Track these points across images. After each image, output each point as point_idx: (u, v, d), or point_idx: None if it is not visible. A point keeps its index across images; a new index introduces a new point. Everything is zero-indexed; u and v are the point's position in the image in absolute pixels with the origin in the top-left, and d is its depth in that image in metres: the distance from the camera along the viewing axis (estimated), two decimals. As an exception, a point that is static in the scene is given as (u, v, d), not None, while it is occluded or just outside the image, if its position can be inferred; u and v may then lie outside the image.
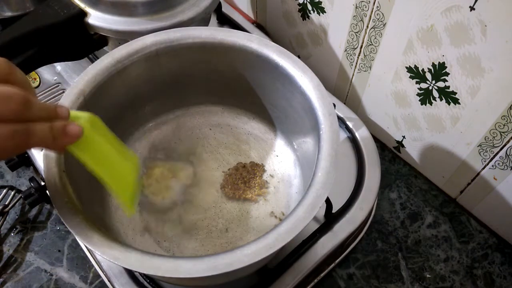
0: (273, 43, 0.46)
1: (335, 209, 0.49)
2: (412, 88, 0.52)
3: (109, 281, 0.46)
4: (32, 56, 0.49)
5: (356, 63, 0.58)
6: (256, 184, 0.50)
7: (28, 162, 0.56)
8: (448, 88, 0.48)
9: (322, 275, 0.50)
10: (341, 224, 0.49)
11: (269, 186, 0.51)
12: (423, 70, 0.49)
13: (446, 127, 0.51)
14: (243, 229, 0.48)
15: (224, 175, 0.51)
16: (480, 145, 0.49)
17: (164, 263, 0.33)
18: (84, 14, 0.51)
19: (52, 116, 0.31)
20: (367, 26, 0.52)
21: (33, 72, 0.61)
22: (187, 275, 0.32)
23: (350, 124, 0.57)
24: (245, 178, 0.50)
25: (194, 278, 0.33)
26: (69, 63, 0.62)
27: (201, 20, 0.56)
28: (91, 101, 0.43)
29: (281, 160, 0.53)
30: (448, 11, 0.42)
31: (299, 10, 0.62)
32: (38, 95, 0.59)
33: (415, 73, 0.50)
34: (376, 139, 0.62)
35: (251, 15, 0.76)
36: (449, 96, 0.48)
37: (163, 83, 0.50)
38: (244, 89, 0.51)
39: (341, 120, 0.57)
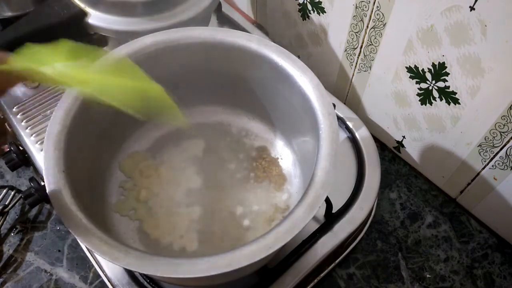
0: (272, 43, 0.46)
1: (335, 209, 0.49)
2: (412, 88, 0.52)
3: (109, 281, 0.46)
4: (32, 56, 0.49)
5: (356, 63, 0.58)
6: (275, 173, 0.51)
7: (28, 162, 0.56)
8: (448, 88, 0.48)
9: (322, 275, 0.50)
10: (341, 224, 0.49)
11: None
12: (423, 70, 0.49)
13: (446, 127, 0.51)
14: (242, 229, 0.48)
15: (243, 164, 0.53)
16: (480, 145, 0.49)
17: (163, 263, 0.33)
18: (84, 14, 0.51)
19: None
20: (367, 26, 0.52)
21: (33, 72, 0.61)
22: (186, 275, 0.32)
23: (350, 124, 0.57)
24: (264, 167, 0.51)
25: (194, 278, 0.33)
26: (69, 63, 0.62)
27: (201, 20, 0.56)
28: (91, 101, 0.43)
29: (281, 160, 0.52)
30: (448, 11, 0.42)
31: (299, 10, 0.62)
32: (37, 95, 0.59)
33: (415, 73, 0.50)
34: (376, 139, 0.62)
35: (251, 15, 0.76)
36: (449, 96, 0.48)
37: (163, 83, 0.50)
38: (244, 89, 0.51)
39: (341, 120, 0.57)
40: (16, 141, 0.56)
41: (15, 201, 0.56)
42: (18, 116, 0.57)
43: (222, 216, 0.49)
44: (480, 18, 0.40)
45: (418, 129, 0.55)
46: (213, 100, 0.55)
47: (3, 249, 0.54)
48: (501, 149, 0.47)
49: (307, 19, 0.62)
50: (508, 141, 0.46)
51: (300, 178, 0.50)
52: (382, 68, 0.54)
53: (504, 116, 0.44)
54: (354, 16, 0.53)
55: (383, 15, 0.49)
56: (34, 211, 0.57)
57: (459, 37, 0.43)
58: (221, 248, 0.46)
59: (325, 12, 0.58)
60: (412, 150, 0.59)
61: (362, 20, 0.52)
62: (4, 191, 0.56)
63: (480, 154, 0.49)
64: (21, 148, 0.55)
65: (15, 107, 0.58)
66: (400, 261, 0.52)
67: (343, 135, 0.56)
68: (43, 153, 0.39)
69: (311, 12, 0.60)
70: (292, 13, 0.64)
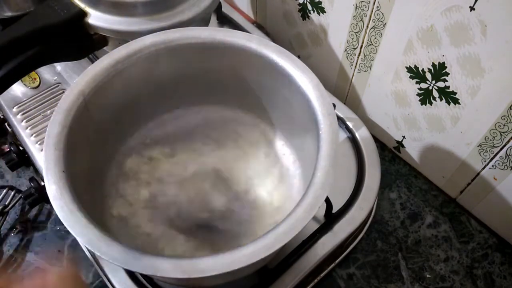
0: (272, 43, 0.46)
1: (335, 209, 0.49)
2: (412, 88, 0.52)
3: (109, 281, 0.46)
4: (32, 56, 0.49)
5: (356, 63, 0.58)
6: None
7: (28, 162, 0.56)
8: (448, 88, 0.47)
9: (322, 275, 0.50)
10: (341, 224, 0.49)
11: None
12: (423, 70, 0.49)
13: (446, 127, 0.51)
14: (242, 229, 0.48)
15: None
16: (480, 145, 0.49)
17: (162, 263, 0.33)
18: (84, 14, 0.51)
19: None
20: (367, 26, 0.52)
21: (33, 72, 0.61)
22: (186, 275, 0.32)
23: (350, 124, 0.57)
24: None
25: (193, 278, 0.33)
26: (69, 63, 0.62)
27: (201, 20, 0.56)
28: (91, 101, 0.43)
29: (281, 160, 0.52)
30: (448, 11, 0.42)
31: (299, 10, 0.62)
32: (37, 95, 0.60)
33: (415, 73, 0.50)
34: (376, 139, 0.62)
35: (251, 15, 0.76)
36: (449, 96, 0.48)
37: (163, 83, 0.50)
38: (244, 89, 0.51)
39: (341, 120, 0.57)
40: (16, 141, 0.56)
41: (15, 201, 0.55)
42: (18, 116, 0.57)
43: (228, 216, 0.49)
44: (480, 18, 0.40)
45: (418, 129, 0.55)
46: (212, 100, 0.55)
47: (3, 249, 0.54)
48: (501, 149, 0.47)
49: (307, 19, 0.62)
50: (508, 141, 0.46)
51: (300, 178, 0.50)
52: (382, 68, 0.54)
53: (504, 116, 0.44)
54: (354, 16, 0.53)
55: (383, 15, 0.49)
56: (34, 211, 0.57)
57: (459, 37, 0.43)
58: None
59: (325, 12, 0.58)
60: (412, 150, 0.59)
61: (362, 20, 0.52)
62: (4, 191, 0.56)
63: (480, 154, 0.49)
64: (21, 148, 0.55)
65: (15, 107, 0.58)
66: (400, 261, 0.52)
67: (343, 135, 0.56)
68: (43, 153, 0.39)
69: (311, 12, 0.60)
70: (292, 13, 0.64)
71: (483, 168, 0.50)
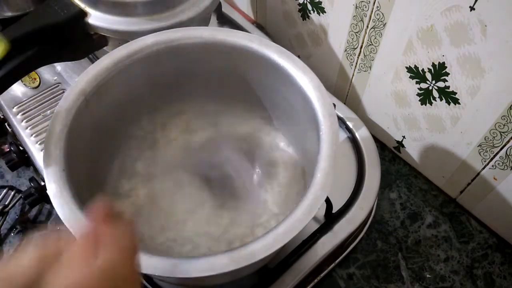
0: (273, 43, 0.46)
1: (335, 209, 0.49)
2: (412, 88, 0.52)
3: (109, 281, 0.46)
4: (32, 56, 0.49)
5: (356, 63, 0.58)
6: None
7: (28, 162, 0.56)
8: (448, 88, 0.47)
9: (322, 275, 0.50)
10: (341, 224, 0.49)
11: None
12: (423, 70, 0.49)
13: (446, 127, 0.51)
14: (242, 230, 0.48)
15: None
16: (480, 145, 0.49)
17: (161, 262, 0.33)
18: (84, 14, 0.51)
19: None
20: (367, 26, 0.52)
21: (33, 72, 0.61)
22: (186, 275, 0.32)
23: (350, 124, 0.57)
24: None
25: (193, 278, 0.33)
26: (69, 63, 0.62)
27: (201, 20, 0.56)
28: (92, 100, 0.43)
29: (281, 160, 0.52)
30: (448, 11, 0.42)
31: (299, 10, 0.62)
32: (37, 95, 0.59)
33: (415, 73, 0.50)
34: (376, 139, 0.62)
35: (251, 15, 0.76)
36: (449, 96, 0.48)
37: (164, 83, 0.50)
38: (245, 89, 0.51)
39: (341, 120, 0.57)
40: (16, 141, 0.56)
41: (15, 201, 0.56)
42: (18, 116, 0.57)
43: (228, 215, 0.49)
44: (480, 18, 0.40)
45: (418, 129, 0.55)
46: (213, 99, 0.55)
47: (3, 249, 0.54)
48: (501, 149, 0.47)
49: (307, 19, 0.62)
50: (508, 141, 0.46)
51: (300, 178, 0.50)
52: (382, 68, 0.54)
53: (504, 116, 0.44)
54: (354, 16, 0.53)
55: (383, 15, 0.49)
56: (34, 211, 0.57)
57: (459, 37, 0.43)
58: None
59: (325, 12, 0.58)
60: (412, 150, 0.59)
61: (362, 20, 0.52)
62: (4, 191, 0.56)
63: (480, 154, 0.49)
64: (21, 148, 0.55)
65: (15, 107, 0.58)
66: (400, 261, 0.52)
67: (343, 135, 0.56)
68: (43, 152, 0.39)
69: (311, 12, 0.60)
70: (292, 13, 0.64)
71: (483, 168, 0.50)
